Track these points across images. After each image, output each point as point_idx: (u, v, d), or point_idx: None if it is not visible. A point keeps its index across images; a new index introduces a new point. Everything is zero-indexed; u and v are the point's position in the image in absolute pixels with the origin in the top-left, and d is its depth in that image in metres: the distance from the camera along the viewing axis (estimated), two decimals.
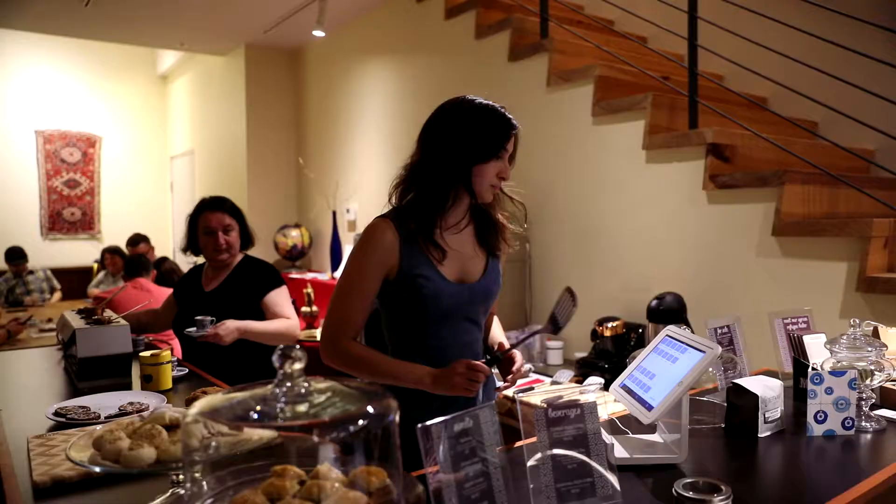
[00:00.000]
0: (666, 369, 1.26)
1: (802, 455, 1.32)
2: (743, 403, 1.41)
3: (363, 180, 5.14)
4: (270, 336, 2.32)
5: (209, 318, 2.22)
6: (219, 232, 2.40)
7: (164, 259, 4.62)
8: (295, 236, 5.62)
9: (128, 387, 1.96)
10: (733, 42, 2.89)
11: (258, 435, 0.96)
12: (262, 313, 2.39)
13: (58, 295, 6.27)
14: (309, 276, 5.19)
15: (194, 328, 2.20)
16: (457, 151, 1.42)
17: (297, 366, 0.79)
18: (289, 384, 0.78)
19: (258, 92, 5.96)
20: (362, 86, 5.14)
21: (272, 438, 0.98)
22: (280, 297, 2.44)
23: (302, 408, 0.77)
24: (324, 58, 5.70)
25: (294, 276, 5.20)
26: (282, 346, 0.79)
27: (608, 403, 1.80)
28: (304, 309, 4.15)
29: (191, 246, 2.49)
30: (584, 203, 3.14)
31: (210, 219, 2.41)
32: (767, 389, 1.41)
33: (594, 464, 1.01)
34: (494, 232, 1.57)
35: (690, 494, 1.00)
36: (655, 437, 1.35)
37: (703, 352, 1.20)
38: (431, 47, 4.31)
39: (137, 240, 5.47)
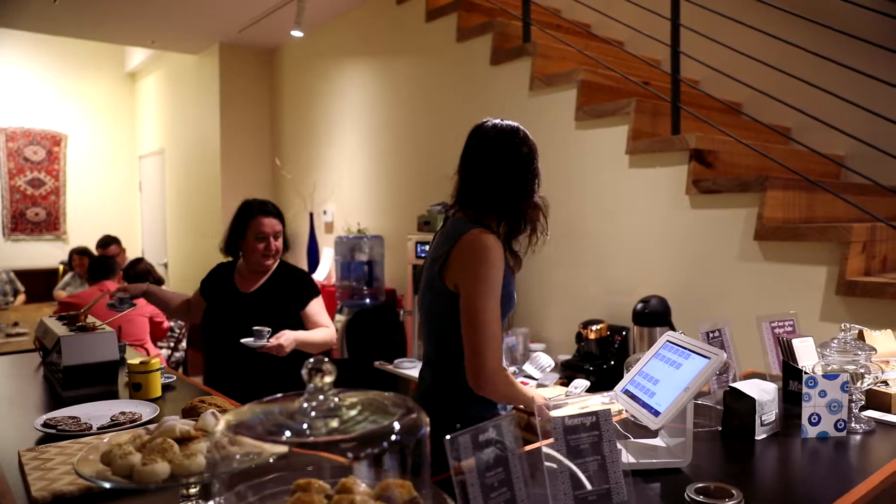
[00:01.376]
0: (670, 375, 1.28)
1: (800, 457, 1.35)
2: (740, 407, 1.44)
3: (341, 182, 5.10)
4: (317, 345, 2.37)
5: (266, 329, 2.23)
6: (270, 237, 2.41)
7: (140, 260, 4.51)
8: None
9: (114, 395, 1.92)
10: (707, 47, 2.95)
11: (271, 447, 0.95)
12: (298, 319, 2.42)
13: (21, 297, 6.09)
14: None
15: (251, 338, 2.21)
16: (536, 180, 1.67)
17: (328, 379, 0.79)
18: (321, 398, 0.77)
19: (232, 91, 5.87)
20: (340, 87, 5.10)
21: (284, 451, 0.97)
22: (320, 306, 2.49)
23: (334, 423, 0.77)
24: (301, 58, 5.65)
25: None
26: (311, 359, 0.79)
27: (594, 407, 1.84)
28: None
29: (232, 248, 2.47)
30: (568, 207, 3.17)
31: (264, 224, 2.41)
32: (763, 393, 1.44)
33: (610, 471, 1.02)
34: None
35: (703, 499, 1.02)
36: (657, 442, 1.37)
37: (708, 357, 1.22)
38: (412, 49, 4.30)
39: (108, 241, 5.33)
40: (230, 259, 2.55)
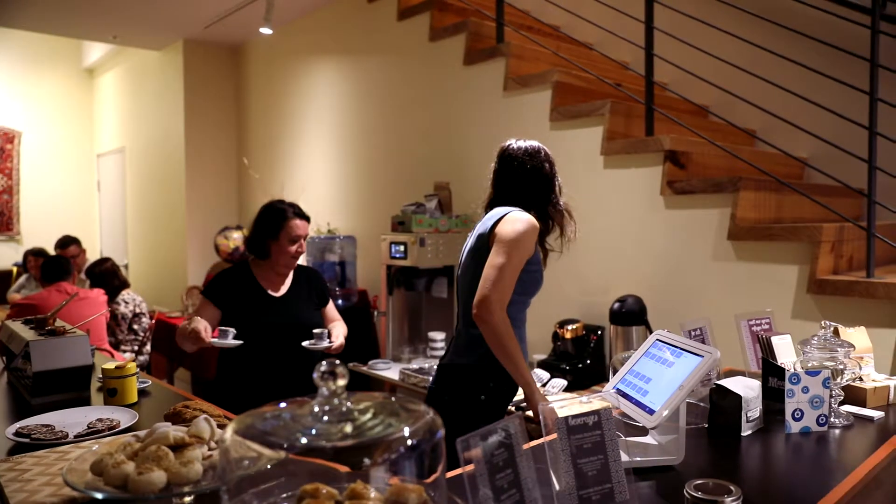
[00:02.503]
0: (662, 373, 1.30)
1: (787, 451, 1.38)
2: (726, 404, 1.46)
3: (311, 182, 5.04)
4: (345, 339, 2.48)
5: (324, 330, 2.29)
6: (301, 239, 2.42)
7: (106, 259, 4.35)
8: (237, 238, 5.43)
9: (86, 401, 1.85)
10: (676, 50, 3.00)
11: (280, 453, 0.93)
12: (319, 317, 2.47)
13: None
14: None
15: (310, 341, 2.25)
16: (558, 190, 2.00)
17: (341, 382, 0.77)
18: (335, 402, 0.76)
19: (197, 89, 5.74)
20: (310, 85, 5.03)
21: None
22: (332, 302, 2.60)
23: (348, 428, 0.75)
24: (268, 56, 5.56)
25: None
26: (325, 362, 0.77)
27: (573, 405, 1.85)
28: None
29: (259, 248, 2.41)
30: None
31: (299, 227, 2.41)
32: (748, 390, 1.47)
33: (613, 470, 1.02)
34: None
35: (703, 496, 1.03)
36: (647, 439, 1.39)
37: (701, 356, 1.24)
38: (383, 48, 4.27)
39: (67, 242, 5.15)
40: (231, 264, 2.51)
